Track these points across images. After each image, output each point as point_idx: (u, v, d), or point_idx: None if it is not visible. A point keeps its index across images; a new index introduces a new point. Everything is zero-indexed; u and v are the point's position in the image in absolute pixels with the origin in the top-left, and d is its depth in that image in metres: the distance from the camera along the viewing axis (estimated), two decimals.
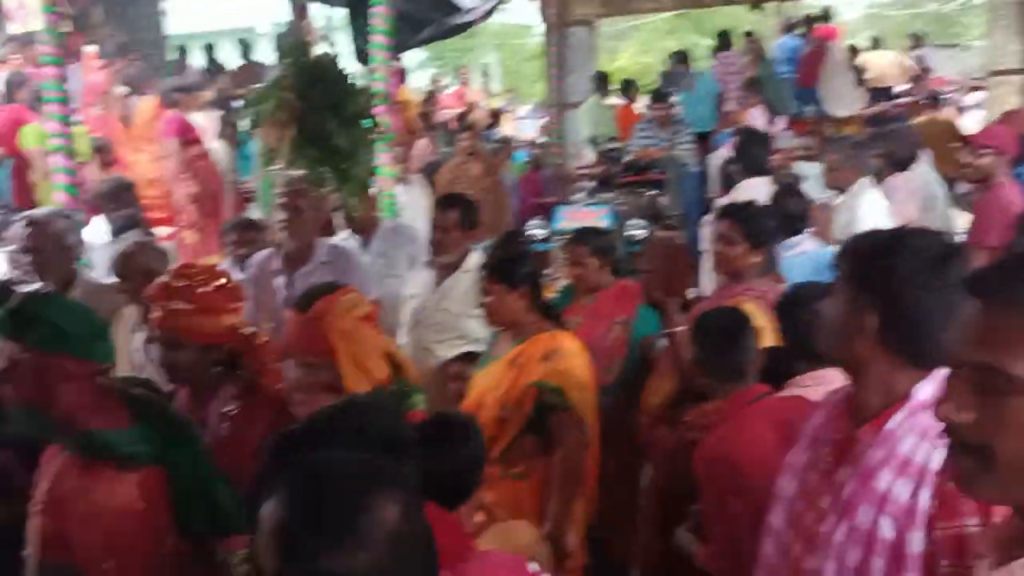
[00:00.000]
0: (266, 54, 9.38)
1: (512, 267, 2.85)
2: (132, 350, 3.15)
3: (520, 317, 2.82)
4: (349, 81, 3.75)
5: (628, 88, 9.49)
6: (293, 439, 1.55)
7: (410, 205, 6.07)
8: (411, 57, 13.90)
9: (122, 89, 6.85)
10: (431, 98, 9.83)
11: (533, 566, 1.41)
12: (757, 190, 4.10)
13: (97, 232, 4.74)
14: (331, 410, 1.62)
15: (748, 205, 3.14)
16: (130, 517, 1.92)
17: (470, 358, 3.22)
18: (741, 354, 2.27)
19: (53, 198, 5.44)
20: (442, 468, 1.71)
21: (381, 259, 4.10)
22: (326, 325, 2.11)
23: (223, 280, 2.42)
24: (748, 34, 9.88)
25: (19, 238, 3.38)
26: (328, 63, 3.72)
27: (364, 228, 4.19)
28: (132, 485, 1.93)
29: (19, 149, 5.93)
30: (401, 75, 9.31)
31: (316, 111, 3.56)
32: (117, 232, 4.58)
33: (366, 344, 2.14)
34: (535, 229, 6.03)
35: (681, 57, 9.89)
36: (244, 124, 5.50)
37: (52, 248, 3.34)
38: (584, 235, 3.64)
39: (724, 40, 9.87)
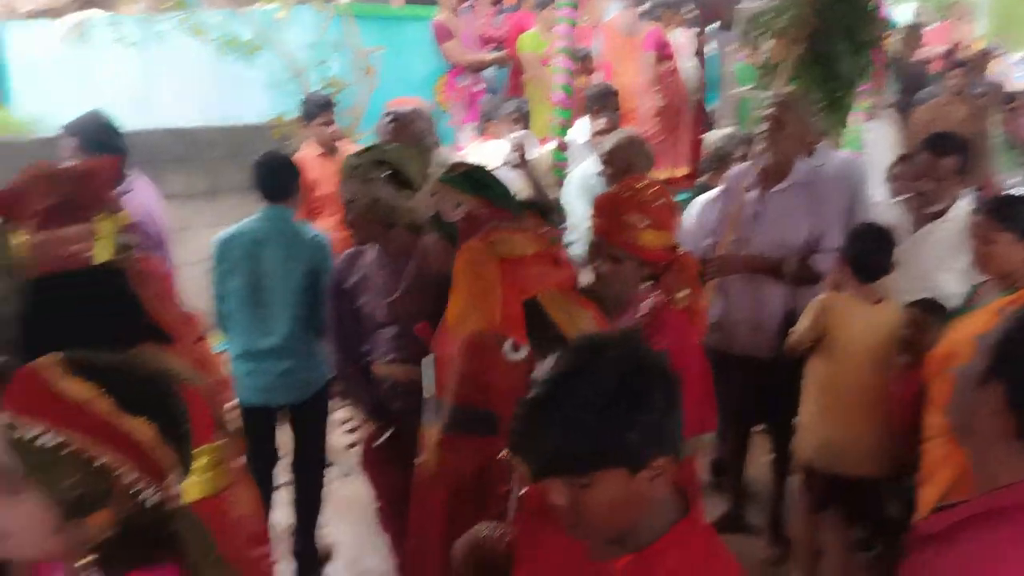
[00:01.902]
0: None
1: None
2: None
3: (1019, 268, 2.58)
4: (870, 7, 3.55)
5: None
6: None
7: (877, 141, 5.73)
8: None
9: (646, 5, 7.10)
10: (913, 33, 8.92)
11: None
12: None
13: (580, 131, 5.19)
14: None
15: None
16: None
17: (930, 307, 3.01)
18: None
19: (544, 96, 6.09)
20: None
21: None
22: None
23: (667, 197, 2.45)
24: None
25: (383, 132, 3.51)
26: None
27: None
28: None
29: (517, 52, 6.62)
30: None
31: (830, 32, 3.45)
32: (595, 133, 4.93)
33: (483, 280, 1.90)
34: (1021, 188, 5.35)
35: None
36: (736, 41, 5.46)
37: (410, 144, 3.33)
38: None
39: None
